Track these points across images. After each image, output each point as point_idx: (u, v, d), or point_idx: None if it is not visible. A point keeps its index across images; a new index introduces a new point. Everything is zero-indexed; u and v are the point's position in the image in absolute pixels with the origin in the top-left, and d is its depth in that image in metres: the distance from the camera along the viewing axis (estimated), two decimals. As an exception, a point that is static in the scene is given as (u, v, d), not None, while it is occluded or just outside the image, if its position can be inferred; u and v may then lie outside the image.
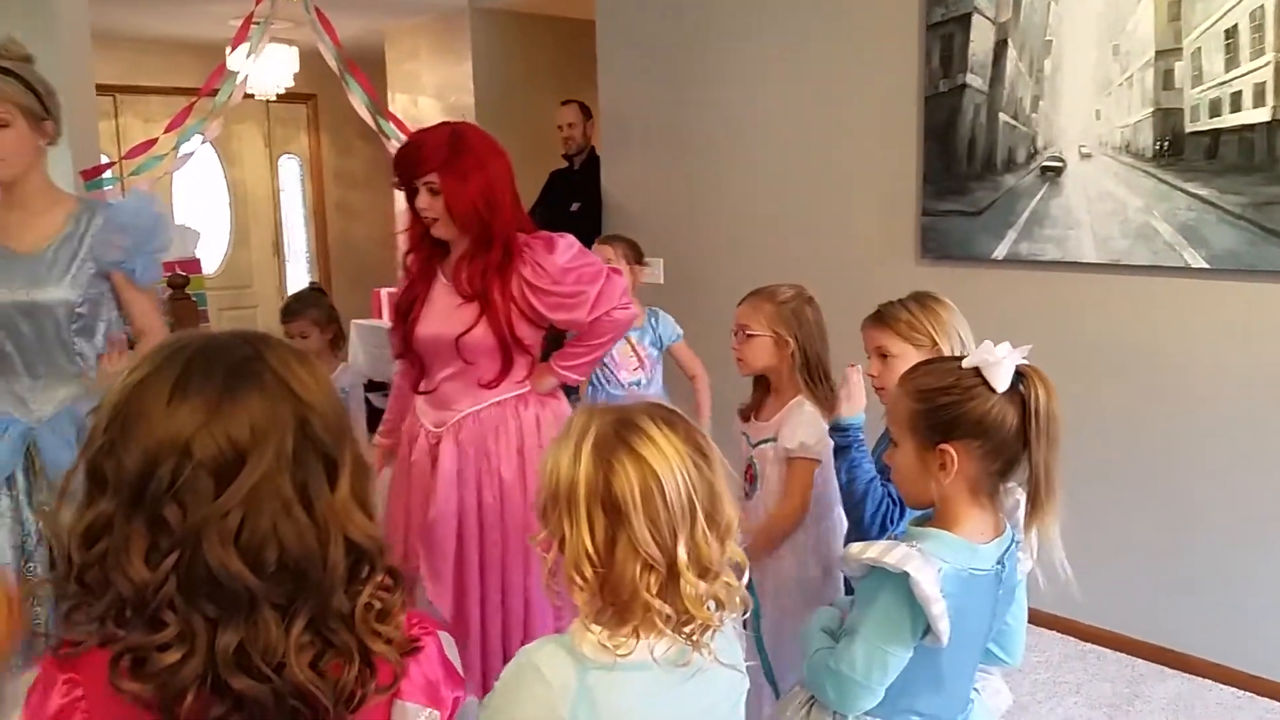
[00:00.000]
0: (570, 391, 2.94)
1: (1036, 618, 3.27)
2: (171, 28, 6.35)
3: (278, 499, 0.86)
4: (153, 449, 0.84)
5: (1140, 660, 3.06)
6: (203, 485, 0.84)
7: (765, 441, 2.18)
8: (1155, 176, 2.86)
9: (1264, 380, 2.78)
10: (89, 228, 2.13)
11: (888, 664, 1.34)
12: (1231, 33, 2.67)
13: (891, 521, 1.71)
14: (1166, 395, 2.97)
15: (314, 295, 3.65)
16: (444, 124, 2.27)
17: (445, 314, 2.20)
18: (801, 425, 2.11)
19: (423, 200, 2.16)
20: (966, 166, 3.28)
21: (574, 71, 5.35)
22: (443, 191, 2.13)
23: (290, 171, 7.95)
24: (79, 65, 4.44)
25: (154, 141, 4.50)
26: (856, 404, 1.80)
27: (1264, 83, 2.62)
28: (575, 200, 4.81)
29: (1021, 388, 1.36)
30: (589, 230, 4.15)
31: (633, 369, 3.27)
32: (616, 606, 1.10)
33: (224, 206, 7.63)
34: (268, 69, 5.95)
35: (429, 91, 6.21)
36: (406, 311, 2.26)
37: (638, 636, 1.09)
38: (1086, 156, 3.01)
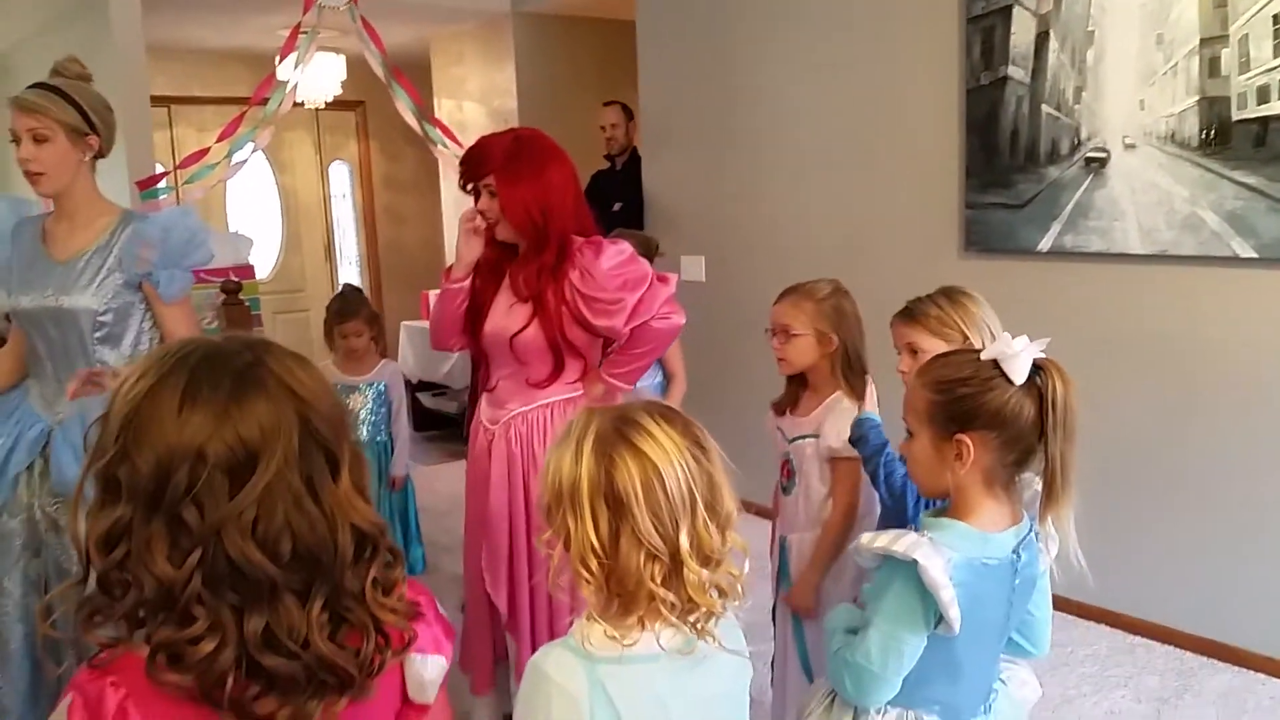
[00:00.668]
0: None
1: (1085, 611, 3.25)
2: (222, 39, 6.49)
3: (289, 493, 0.92)
4: (166, 455, 0.89)
5: (1190, 654, 3.02)
6: (219, 486, 0.89)
7: (804, 437, 2.19)
8: (1201, 166, 2.83)
9: (1316, 370, 2.74)
10: (119, 239, 2.17)
11: (903, 652, 1.36)
12: None
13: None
14: (1217, 387, 2.93)
15: (361, 296, 3.76)
16: (510, 130, 2.35)
17: (504, 313, 2.26)
18: (844, 423, 2.11)
19: (483, 202, 2.24)
20: (1009, 159, 3.26)
21: (616, 72, 5.40)
22: (499, 194, 2.19)
23: (340, 177, 8.10)
24: (134, 78, 4.58)
25: (206, 151, 4.63)
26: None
27: (1312, 68, 2.58)
28: (617, 200, 4.86)
29: (1039, 380, 1.37)
30: (632, 229, 4.18)
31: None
32: (623, 598, 1.14)
33: (276, 213, 7.79)
34: (316, 77, 6.06)
35: (474, 96, 6.30)
36: (477, 310, 2.32)
37: (643, 626, 1.13)
38: (1131, 147, 2.98)
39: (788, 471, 2.23)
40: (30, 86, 2.14)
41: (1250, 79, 2.70)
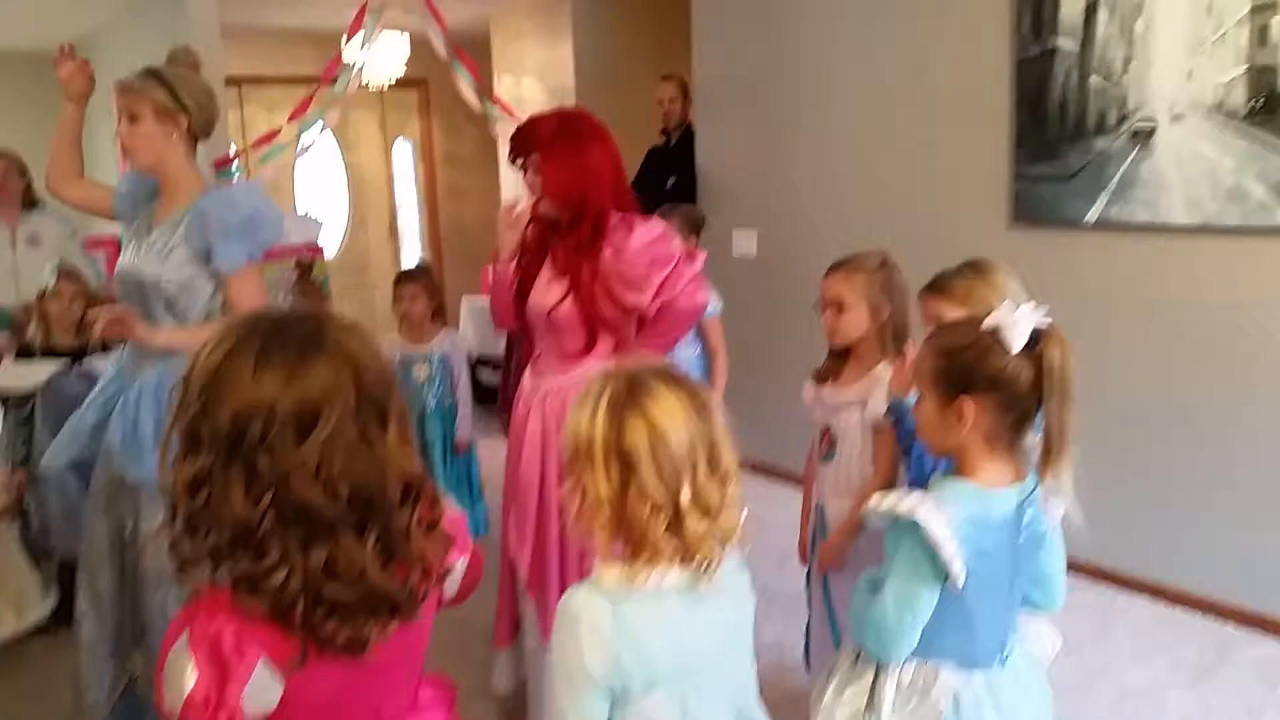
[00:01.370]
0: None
1: (1125, 581, 3.28)
2: (290, 19, 6.67)
3: (346, 443, 1.06)
4: (243, 410, 1.03)
5: (1230, 624, 3.04)
6: (288, 437, 1.04)
7: (849, 406, 2.20)
8: (1249, 136, 2.82)
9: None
10: (189, 214, 2.25)
11: (917, 606, 1.45)
12: (1329, -15, 2.61)
13: None
14: (1264, 359, 2.93)
15: (424, 267, 3.97)
16: (558, 108, 2.45)
17: (544, 287, 2.36)
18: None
19: (529, 177, 2.34)
20: (1059, 130, 3.27)
21: (673, 46, 5.44)
22: (542, 170, 2.30)
23: (404, 155, 8.27)
24: (211, 60, 4.72)
25: (278, 132, 4.82)
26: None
27: (1362, 36, 2.56)
28: (672, 175, 4.92)
29: (1039, 347, 1.44)
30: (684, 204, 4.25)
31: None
32: (631, 544, 1.27)
33: (342, 191, 7.99)
34: (382, 57, 6.21)
35: (532, 73, 6.40)
36: (525, 285, 2.42)
37: (652, 567, 1.26)
38: (1178, 118, 2.98)
39: (829, 440, 2.25)
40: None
41: (1299, 48, 2.69)
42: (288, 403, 1.03)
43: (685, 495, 1.24)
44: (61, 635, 2.76)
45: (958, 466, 1.52)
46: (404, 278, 3.78)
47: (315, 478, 1.04)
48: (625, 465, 1.23)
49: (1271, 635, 2.96)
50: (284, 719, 1.08)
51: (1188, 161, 2.97)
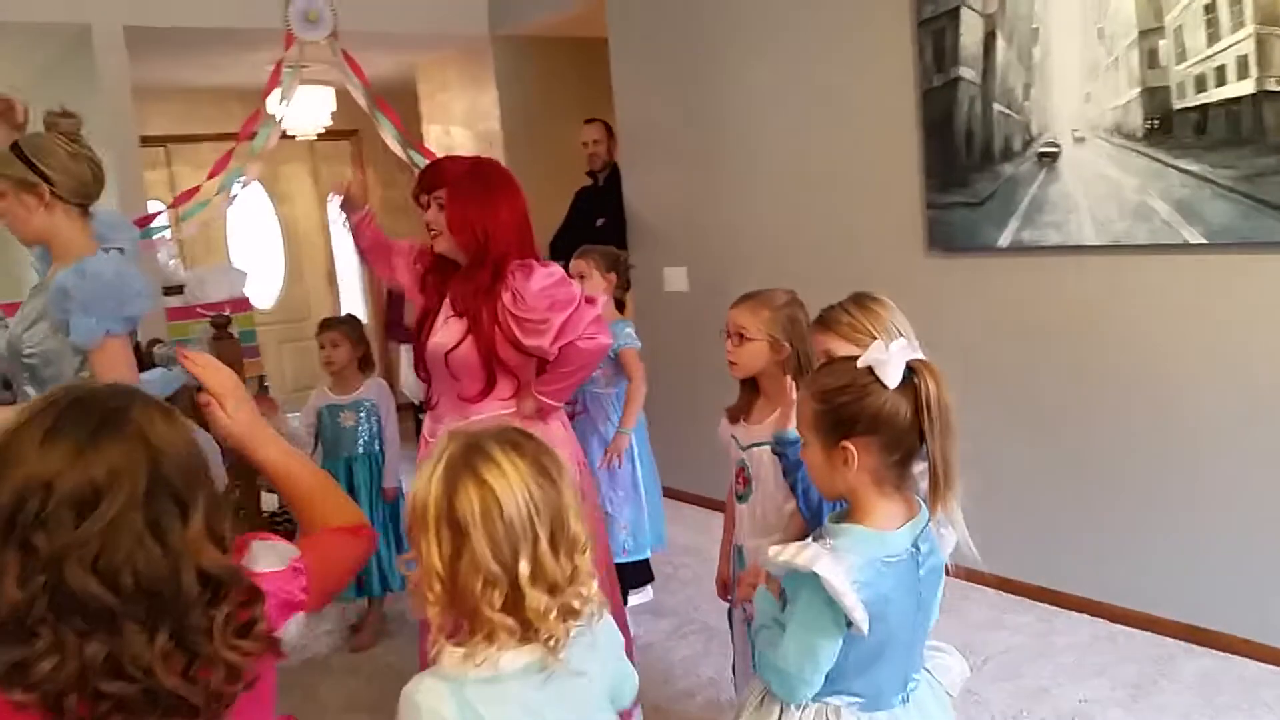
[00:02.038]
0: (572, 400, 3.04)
1: (1067, 601, 3.28)
2: (215, 78, 6.61)
3: (131, 532, 1.00)
4: (21, 485, 0.98)
5: (1170, 639, 3.04)
6: (65, 518, 0.98)
7: (759, 445, 2.21)
8: (1148, 155, 2.87)
9: (1270, 354, 2.76)
10: (52, 285, 2.16)
11: (818, 657, 1.42)
12: (1211, 7, 2.67)
13: None
14: (1180, 373, 2.96)
15: (351, 318, 3.91)
16: (473, 155, 2.45)
17: (441, 328, 2.36)
18: None
19: (430, 214, 2.34)
20: (966, 158, 3.32)
21: (596, 91, 5.46)
22: (446, 208, 2.29)
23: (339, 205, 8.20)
24: (122, 120, 4.72)
25: (198, 189, 4.75)
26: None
27: (1246, 55, 2.62)
28: (600, 215, 4.93)
29: (914, 382, 1.42)
30: (615, 244, 4.24)
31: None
32: (467, 620, 1.19)
33: (277, 244, 7.92)
34: (305, 110, 6.17)
35: (459, 120, 6.39)
36: (421, 326, 2.42)
37: (490, 645, 1.18)
38: (1080, 140, 3.02)
39: (744, 479, 2.25)
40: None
41: (1187, 68, 2.75)
42: (68, 481, 0.98)
43: (524, 569, 1.16)
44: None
45: (850, 511, 1.49)
46: (324, 325, 3.74)
47: (93, 564, 0.98)
48: (456, 534, 1.16)
49: (1211, 648, 2.97)
50: None
51: (1093, 183, 3.01)
